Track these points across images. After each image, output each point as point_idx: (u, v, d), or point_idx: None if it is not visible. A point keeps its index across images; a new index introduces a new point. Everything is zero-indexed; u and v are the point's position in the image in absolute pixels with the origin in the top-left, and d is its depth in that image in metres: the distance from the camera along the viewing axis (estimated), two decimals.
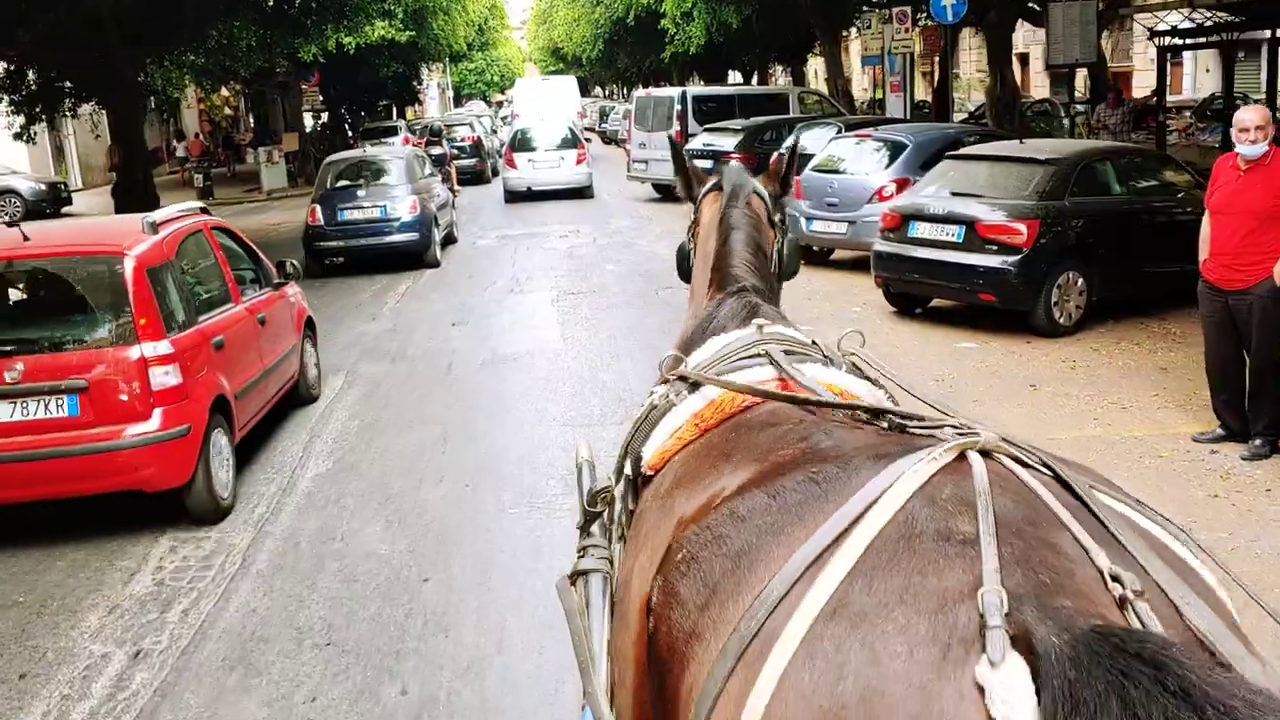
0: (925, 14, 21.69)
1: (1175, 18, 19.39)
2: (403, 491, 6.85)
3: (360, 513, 6.53)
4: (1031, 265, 9.45)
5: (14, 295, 6.89)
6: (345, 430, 8.25)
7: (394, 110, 48.55)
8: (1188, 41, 19.45)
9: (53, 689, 4.72)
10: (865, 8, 26.45)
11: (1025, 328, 9.76)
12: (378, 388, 9.50)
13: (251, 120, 46.27)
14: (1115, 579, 1.34)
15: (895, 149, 13.42)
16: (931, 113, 25.12)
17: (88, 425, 6.04)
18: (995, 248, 9.61)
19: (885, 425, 2.00)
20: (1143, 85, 30.52)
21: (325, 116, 41.85)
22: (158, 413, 6.14)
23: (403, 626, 5.06)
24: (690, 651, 1.62)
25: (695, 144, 19.26)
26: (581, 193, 24.19)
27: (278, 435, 8.13)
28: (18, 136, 20.69)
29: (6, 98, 19.77)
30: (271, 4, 21.09)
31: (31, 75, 19.66)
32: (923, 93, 33.09)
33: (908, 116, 22.47)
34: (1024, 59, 36.98)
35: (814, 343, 2.55)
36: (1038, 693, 1.19)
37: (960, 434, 1.72)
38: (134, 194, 19.36)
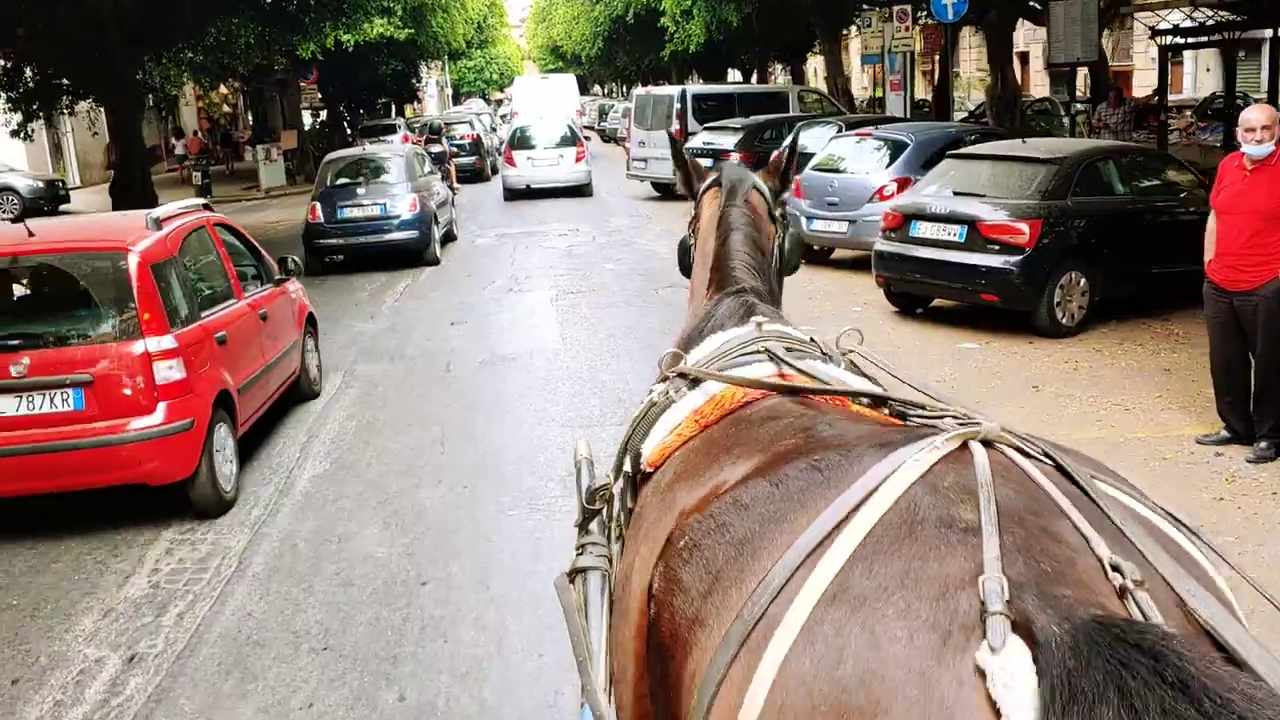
0: (926, 12, 21.65)
1: (1176, 17, 19.34)
2: (401, 492, 6.80)
3: (358, 514, 6.48)
4: (1034, 265, 9.40)
5: (19, 291, 6.93)
6: (343, 430, 8.19)
7: (393, 108, 48.48)
8: (1189, 41, 19.39)
9: (45, 694, 4.67)
10: (865, 6, 26.38)
11: (1027, 328, 9.70)
12: (376, 387, 9.44)
13: (250, 118, 46.20)
14: (1115, 568, 1.34)
15: (896, 148, 13.36)
16: (932, 112, 25.05)
17: (92, 419, 6.09)
18: (997, 247, 9.56)
19: (886, 412, 2.02)
20: (1143, 84, 30.47)
21: (324, 114, 41.71)
22: (162, 407, 6.20)
23: (400, 630, 5.01)
24: (693, 638, 1.62)
25: (695, 142, 19.21)
26: (581, 190, 24.17)
27: (275, 435, 8.07)
28: (15, 134, 20.61)
29: (4, 95, 19.68)
30: (270, 1, 21.02)
31: (29, 72, 19.59)
32: (922, 91, 33.02)
33: (908, 115, 22.42)
34: (1024, 58, 36.92)
35: (812, 340, 2.55)
36: (1038, 678, 1.19)
37: (962, 424, 1.73)
38: (132, 192, 19.28)
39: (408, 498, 6.70)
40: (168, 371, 6.21)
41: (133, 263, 6.32)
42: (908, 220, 10.39)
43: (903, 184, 12.45)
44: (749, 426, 2.07)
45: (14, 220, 6.93)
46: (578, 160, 24.18)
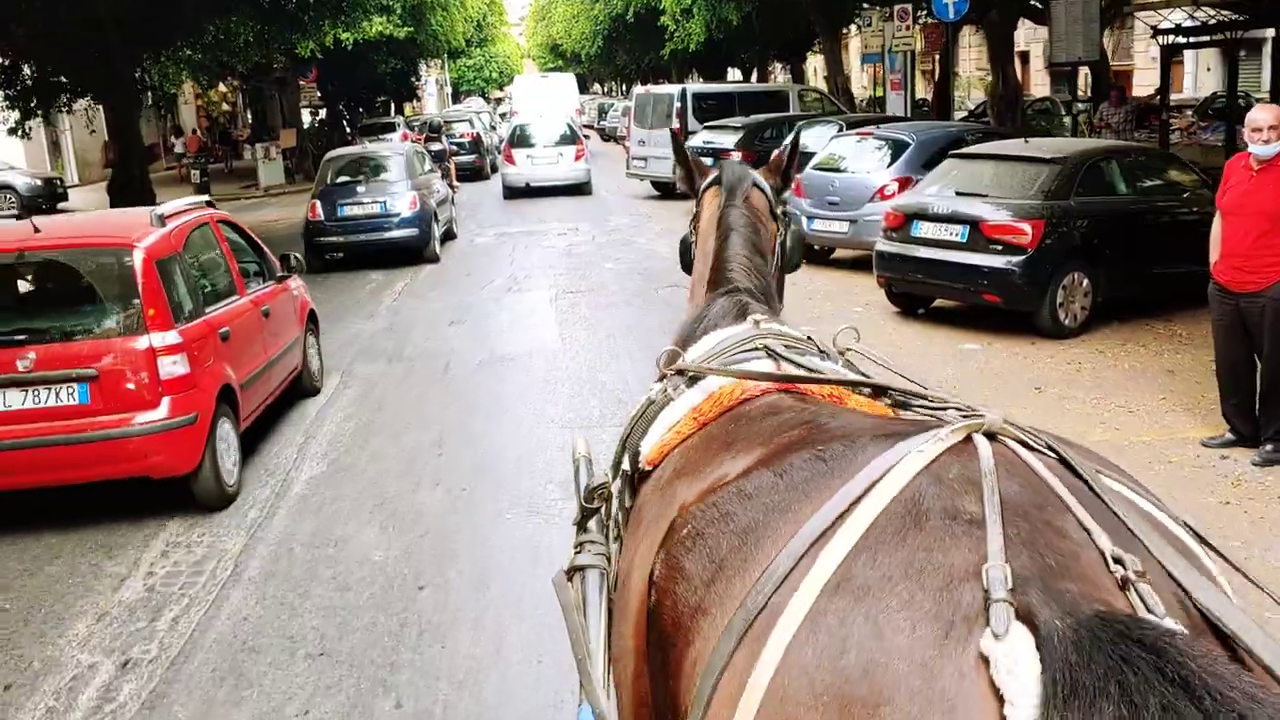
0: (926, 11, 21.58)
1: (1178, 16, 19.27)
2: (398, 495, 6.73)
3: (355, 517, 6.41)
4: (1036, 266, 9.34)
5: (25, 286, 7.00)
6: (340, 431, 8.13)
7: (392, 107, 48.40)
8: (1191, 40, 19.32)
9: (38, 700, 4.60)
10: (866, 5, 26.30)
11: (1029, 329, 9.65)
12: (374, 388, 9.38)
13: (249, 116, 46.11)
14: (1117, 560, 1.34)
15: (897, 147, 13.31)
16: (932, 111, 24.98)
17: (97, 413, 6.16)
18: (1000, 248, 9.50)
19: (888, 402, 2.04)
20: (1143, 84, 30.41)
21: (323, 113, 41.64)
22: (166, 401, 6.26)
23: (397, 636, 4.94)
24: (695, 626, 1.62)
25: (695, 141, 19.16)
26: (580, 189, 24.17)
27: (272, 436, 8.00)
28: (13, 132, 20.53)
29: (2, 92, 19.59)
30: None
31: (27, 70, 19.51)
32: (922, 91, 32.95)
33: (908, 115, 22.35)
34: (1024, 57, 36.85)
35: (809, 338, 2.55)
36: (1041, 668, 1.19)
37: (965, 416, 1.73)
38: (130, 190, 19.21)
39: (405, 500, 6.64)
40: (172, 366, 6.28)
41: (138, 259, 6.38)
42: (909, 220, 10.33)
43: (904, 184, 12.39)
44: (748, 422, 2.07)
45: (17, 217, 6.93)
46: (577, 159, 24.20)
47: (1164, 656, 1.15)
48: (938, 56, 24.75)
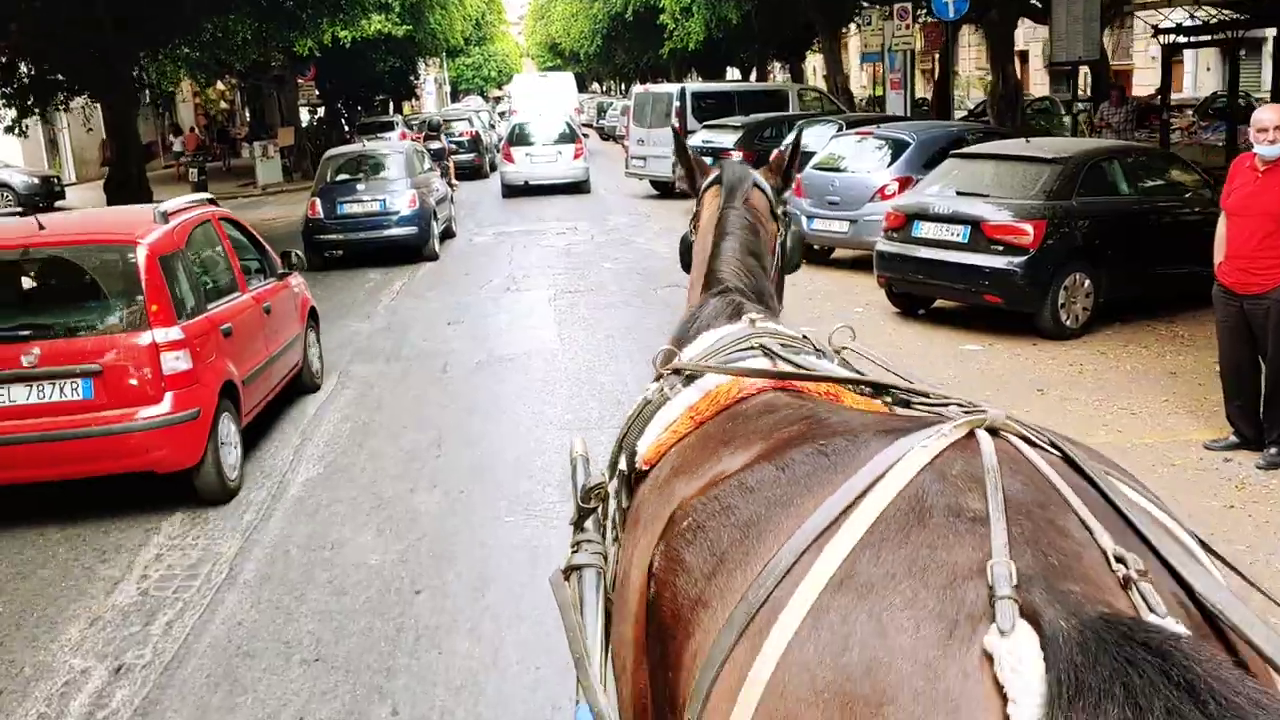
0: (926, 10, 21.53)
1: (1178, 15, 19.22)
2: (395, 497, 6.68)
3: (351, 520, 6.36)
4: (1038, 266, 9.28)
5: (31, 282, 7.06)
6: (337, 433, 8.07)
7: (391, 105, 48.32)
8: (1192, 40, 19.27)
9: (29, 707, 4.54)
10: (866, 4, 26.27)
11: (1031, 329, 9.59)
12: (371, 389, 9.32)
13: (247, 115, 46.03)
14: (1119, 559, 1.33)
15: (898, 147, 13.25)
16: (932, 110, 24.94)
17: (101, 408, 6.24)
18: (1001, 248, 9.44)
19: (889, 400, 2.03)
20: (1143, 84, 30.37)
21: (321, 111, 41.55)
22: (169, 396, 6.34)
23: (394, 641, 4.89)
24: (695, 618, 1.61)
25: (694, 141, 19.05)
26: (579, 187, 24.18)
27: (269, 437, 7.94)
28: (10, 130, 20.44)
29: None
30: None
31: (24, 68, 19.42)
32: (922, 90, 32.90)
33: (908, 114, 22.31)
34: (1023, 56, 36.78)
35: (804, 337, 2.55)
36: (1045, 667, 1.18)
37: (967, 411, 1.72)
38: (127, 188, 19.11)
39: (403, 503, 6.58)
40: (175, 362, 6.35)
41: (141, 255, 6.45)
42: (910, 220, 10.28)
43: (904, 183, 12.34)
44: (746, 420, 2.06)
45: (21, 214, 6.99)
46: (576, 157, 24.22)
47: (1169, 660, 1.15)
48: (937, 56, 24.71)
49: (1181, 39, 18.77)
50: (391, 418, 8.39)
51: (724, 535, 1.65)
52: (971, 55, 40.99)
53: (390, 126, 33.42)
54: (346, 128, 38.96)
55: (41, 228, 6.80)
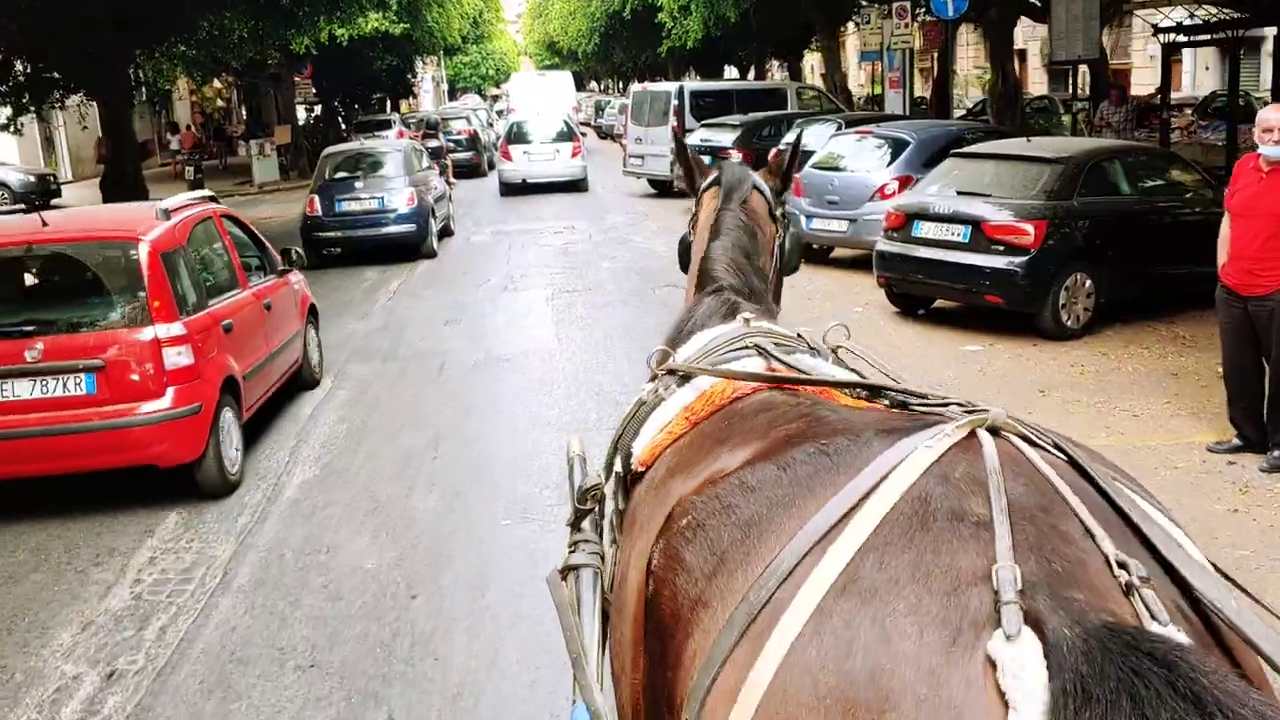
0: (925, 9, 21.47)
1: (1178, 14, 19.16)
2: (391, 500, 6.61)
3: (347, 523, 6.29)
4: (1039, 266, 9.23)
5: (34, 278, 7.15)
6: (333, 434, 8.01)
7: (388, 103, 48.21)
8: (1192, 39, 19.22)
9: (20, 713, 4.48)
10: (865, 2, 26.20)
11: (1031, 330, 9.54)
12: (368, 389, 9.25)
13: (244, 113, 45.89)
14: (1121, 565, 1.33)
15: (897, 146, 13.20)
16: (930, 109, 24.89)
17: (104, 402, 6.30)
18: (1002, 248, 9.39)
19: (886, 403, 2.01)
20: (1141, 83, 30.32)
21: (318, 109, 41.45)
22: (171, 391, 6.40)
23: (389, 647, 4.82)
24: (695, 618, 1.60)
25: (693, 139, 18.99)
26: (576, 185, 24.20)
27: (264, 438, 7.87)
28: (4, 128, 20.33)
29: None
30: None
31: (20, 66, 19.33)
32: (920, 89, 32.84)
33: (907, 113, 22.25)
34: (1021, 55, 36.72)
35: (799, 335, 2.55)
36: (1049, 676, 1.18)
37: (968, 411, 1.70)
38: (123, 186, 18.99)
39: (399, 505, 6.52)
40: (177, 357, 6.42)
41: (143, 252, 6.52)
42: (910, 220, 10.22)
43: (904, 183, 12.29)
44: (742, 418, 2.06)
45: (25, 211, 7.05)
46: (574, 155, 24.26)
47: (1175, 671, 1.14)
48: (936, 54, 24.64)
49: (1181, 38, 18.70)
50: (388, 418, 8.33)
51: (725, 535, 1.64)
52: (970, 54, 40.95)
53: (387, 125, 33.37)
54: (343, 126, 38.85)
55: (45, 224, 6.88)
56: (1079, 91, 21.50)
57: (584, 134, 29.37)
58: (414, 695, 4.43)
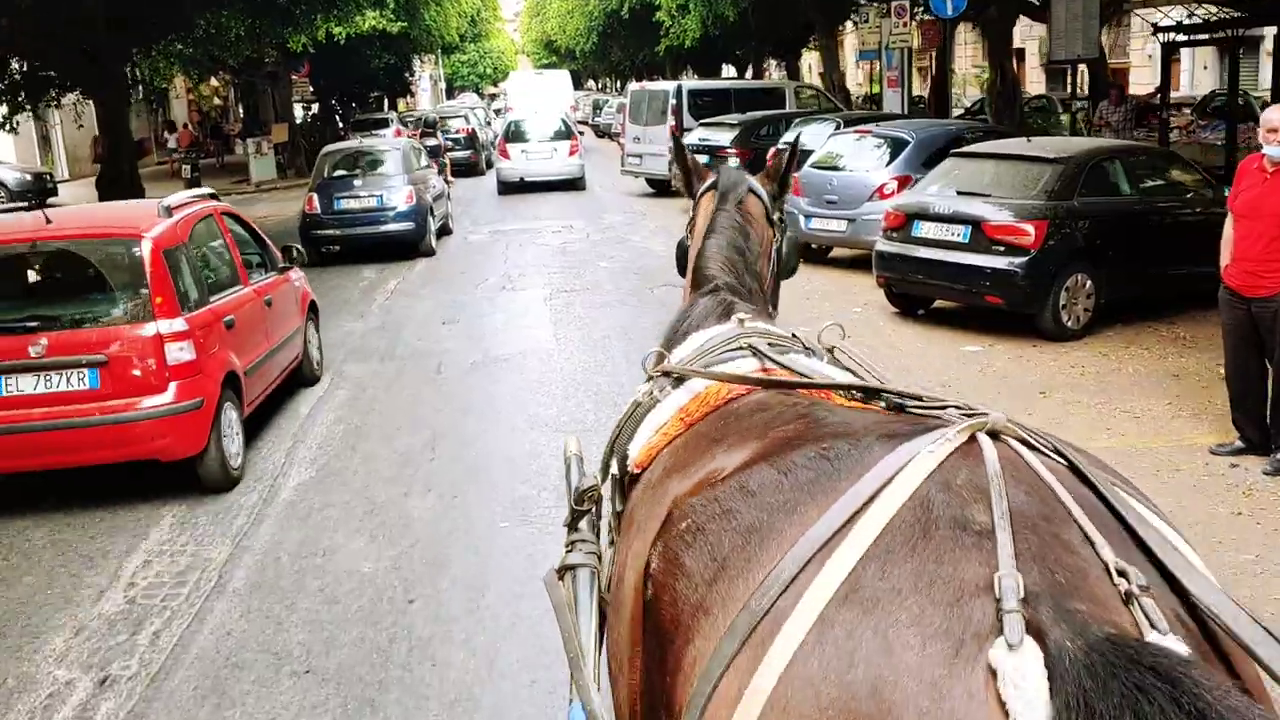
0: (924, 8, 21.43)
1: (1177, 14, 19.12)
2: (389, 502, 6.56)
3: (344, 525, 6.24)
4: (1039, 267, 9.19)
5: (37, 275, 7.22)
6: (330, 435, 7.95)
7: (385, 102, 48.12)
8: (1191, 38, 19.18)
9: None
10: (863, 1, 26.17)
11: (1031, 331, 9.50)
12: (365, 389, 9.20)
13: (241, 111, 45.79)
14: (1121, 573, 1.32)
15: (896, 146, 13.15)
16: (929, 108, 24.85)
17: (107, 397, 6.37)
18: (1002, 248, 9.34)
19: (883, 405, 1.99)
20: (1139, 82, 30.31)
21: (315, 108, 41.37)
22: (173, 386, 6.48)
23: (386, 652, 4.77)
24: (695, 624, 1.58)
25: (691, 139, 18.94)
26: (574, 184, 24.20)
27: (260, 439, 7.82)
28: (0, 126, 20.27)
29: None
30: None
31: (15, 64, 19.25)
32: (919, 88, 32.81)
33: (905, 112, 22.21)
34: (1020, 54, 36.69)
35: (794, 336, 2.54)
36: (1050, 688, 1.17)
37: (967, 415, 1.68)
38: (119, 185, 18.93)
39: (396, 507, 6.47)
40: (179, 353, 6.49)
41: (146, 248, 6.60)
42: (910, 220, 10.17)
43: (903, 182, 12.25)
44: (738, 419, 2.05)
45: (27, 208, 7.07)
46: (571, 154, 24.26)
47: (1179, 687, 1.13)
48: (934, 53, 24.60)
49: (1180, 37, 18.66)
50: (385, 419, 8.27)
51: (725, 540, 1.62)
52: (968, 53, 40.88)
53: (385, 123, 33.36)
54: (341, 124, 38.78)
55: (49, 222, 6.94)
56: (1078, 91, 21.46)
57: (581, 133, 29.36)
58: (411, 702, 4.38)
